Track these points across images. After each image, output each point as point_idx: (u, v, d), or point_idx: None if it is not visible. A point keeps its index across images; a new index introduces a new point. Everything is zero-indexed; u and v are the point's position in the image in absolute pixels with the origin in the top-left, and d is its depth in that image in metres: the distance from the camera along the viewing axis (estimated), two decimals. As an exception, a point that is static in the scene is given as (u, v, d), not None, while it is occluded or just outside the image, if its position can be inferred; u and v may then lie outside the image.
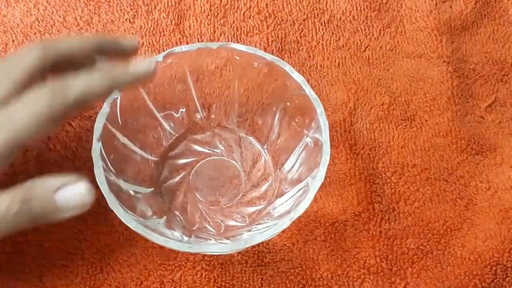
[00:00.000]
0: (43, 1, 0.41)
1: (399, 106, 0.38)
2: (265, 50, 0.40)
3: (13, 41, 0.39)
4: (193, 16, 0.41)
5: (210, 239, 0.30)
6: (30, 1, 0.41)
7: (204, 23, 0.41)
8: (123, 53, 0.30)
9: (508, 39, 0.42)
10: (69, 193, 0.23)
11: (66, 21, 0.40)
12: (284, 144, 0.33)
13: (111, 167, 0.27)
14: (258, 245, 0.32)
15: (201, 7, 0.42)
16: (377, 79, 0.39)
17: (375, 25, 0.42)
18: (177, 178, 0.33)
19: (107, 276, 0.30)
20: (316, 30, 0.41)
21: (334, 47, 0.40)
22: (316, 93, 0.28)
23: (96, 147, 0.26)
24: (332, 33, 0.41)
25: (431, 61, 0.40)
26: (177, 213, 0.32)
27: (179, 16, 0.41)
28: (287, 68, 0.29)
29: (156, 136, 0.33)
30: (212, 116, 0.35)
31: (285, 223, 0.25)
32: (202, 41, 0.40)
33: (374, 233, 0.33)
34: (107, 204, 0.24)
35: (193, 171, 0.34)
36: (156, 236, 0.24)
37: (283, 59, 0.33)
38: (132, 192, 0.29)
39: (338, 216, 0.33)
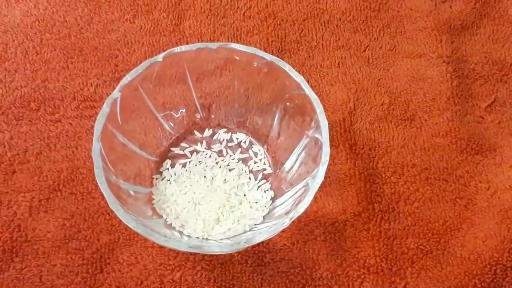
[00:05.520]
0: (43, 1, 0.41)
1: (399, 106, 0.38)
2: (265, 50, 0.40)
3: (13, 41, 0.39)
4: (193, 16, 0.41)
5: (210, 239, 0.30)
6: (30, 1, 0.41)
7: (204, 23, 0.41)
8: None
9: (508, 39, 0.42)
10: None
11: (66, 21, 0.40)
12: (284, 144, 0.33)
13: (111, 167, 0.27)
14: (258, 245, 0.32)
15: (201, 7, 0.42)
16: (377, 79, 0.39)
17: (375, 25, 0.42)
18: (177, 178, 0.33)
19: (107, 276, 0.30)
20: (316, 30, 0.41)
21: (334, 47, 0.41)
22: (316, 93, 0.28)
23: (96, 147, 0.26)
24: (332, 33, 0.41)
25: (431, 61, 0.40)
26: (177, 213, 0.32)
27: (179, 16, 0.41)
28: (287, 68, 0.29)
29: (156, 136, 0.33)
30: (212, 116, 0.35)
31: (285, 223, 0.25)
32: (202, 41, 0.40)
33: (374, 233, 0.33)
34: (107, 204, 0.24)
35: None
36: (156, 236, 0.24)
37: (283, 59, 0.33)
38: (132, 192, 0.29)
39: (338, 216, 0.33)
